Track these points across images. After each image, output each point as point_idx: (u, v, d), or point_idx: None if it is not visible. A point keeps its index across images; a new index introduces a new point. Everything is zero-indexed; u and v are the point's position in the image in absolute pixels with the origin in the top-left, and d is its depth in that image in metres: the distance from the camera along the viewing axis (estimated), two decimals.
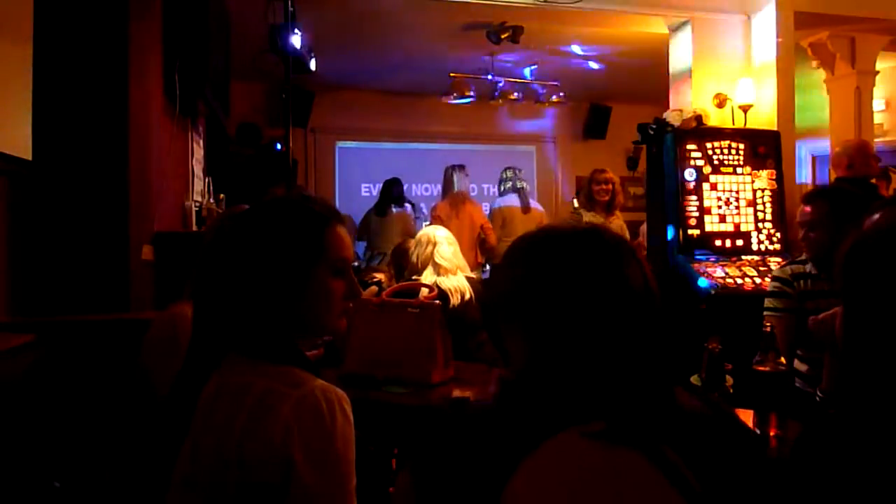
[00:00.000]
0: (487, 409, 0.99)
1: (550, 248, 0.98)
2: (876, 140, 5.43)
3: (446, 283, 2.82)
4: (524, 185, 5.52)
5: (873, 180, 4.02)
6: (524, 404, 0.93)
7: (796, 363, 2.33)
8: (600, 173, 4.77)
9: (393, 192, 6.04)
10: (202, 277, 1.17)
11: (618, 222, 4.69)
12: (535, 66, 6.38)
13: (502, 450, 0.90)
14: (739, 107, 4.42)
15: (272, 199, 1.22)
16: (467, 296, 2.80)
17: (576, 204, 4.66)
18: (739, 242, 4.04)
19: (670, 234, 4.01)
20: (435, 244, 2.90)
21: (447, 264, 2.86)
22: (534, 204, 5.50)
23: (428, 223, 5.66)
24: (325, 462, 1.00)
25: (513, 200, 5.40)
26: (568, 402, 0.91)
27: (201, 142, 4.31)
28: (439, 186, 5.86)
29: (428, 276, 2.84)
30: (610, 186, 4.72)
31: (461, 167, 5.51)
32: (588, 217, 4.66)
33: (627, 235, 4.45)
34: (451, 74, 6.39)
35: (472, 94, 6.48)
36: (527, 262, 0.99)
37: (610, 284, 0.93)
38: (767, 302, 2.43)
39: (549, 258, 0.96)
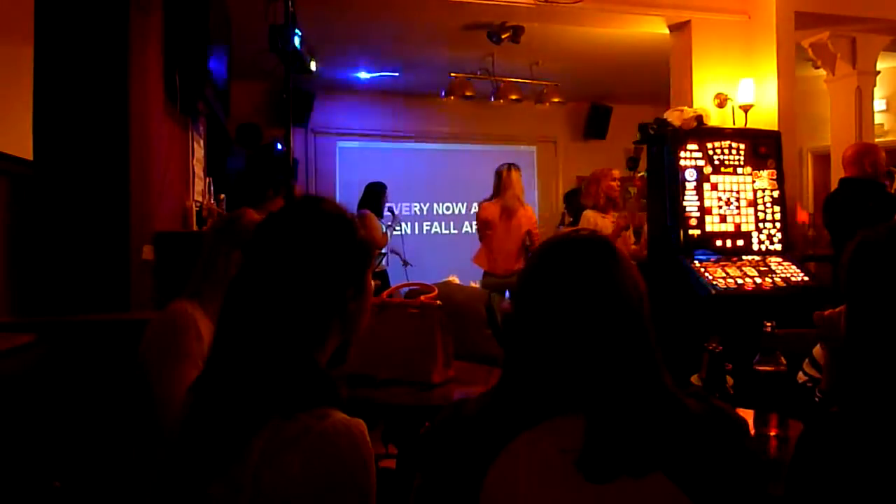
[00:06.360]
0: (480, 397, 1.05)
1: (551, 252, 1.06)
2: (876, 140, 5.43)
3: None
4: None
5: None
6: (512, 392, 1.00)
7: None
8: (610, 170, 4.77)
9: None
10: (240, 296, 1.08)
11: (623, 214, 4.73)
12: (536, 66, 6.38)
13: (489, 432, 0.96)
14: (740, 107, 4.43)
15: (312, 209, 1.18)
16: None
17: (590, 218, 4.63)
18: (740, 242, 4.04)
19: (671, 234, 4.00)
20: None
21: None
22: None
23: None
24: (343, 496, 0.99)
25: None
26: (550, 392, 0.96)
27: (202, 142, 4.32)
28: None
29: None
30: (617, 184, 4.73)
31: (515, 166, 4.95)
32: (598, 217, 4.67)
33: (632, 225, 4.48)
34: (452, 74, 6.39)
35: (472, 93, 6.48)
36: (533, 264, 1.07)
37: (597, 285, 0.99)
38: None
39: (547, 261, 1.05)
